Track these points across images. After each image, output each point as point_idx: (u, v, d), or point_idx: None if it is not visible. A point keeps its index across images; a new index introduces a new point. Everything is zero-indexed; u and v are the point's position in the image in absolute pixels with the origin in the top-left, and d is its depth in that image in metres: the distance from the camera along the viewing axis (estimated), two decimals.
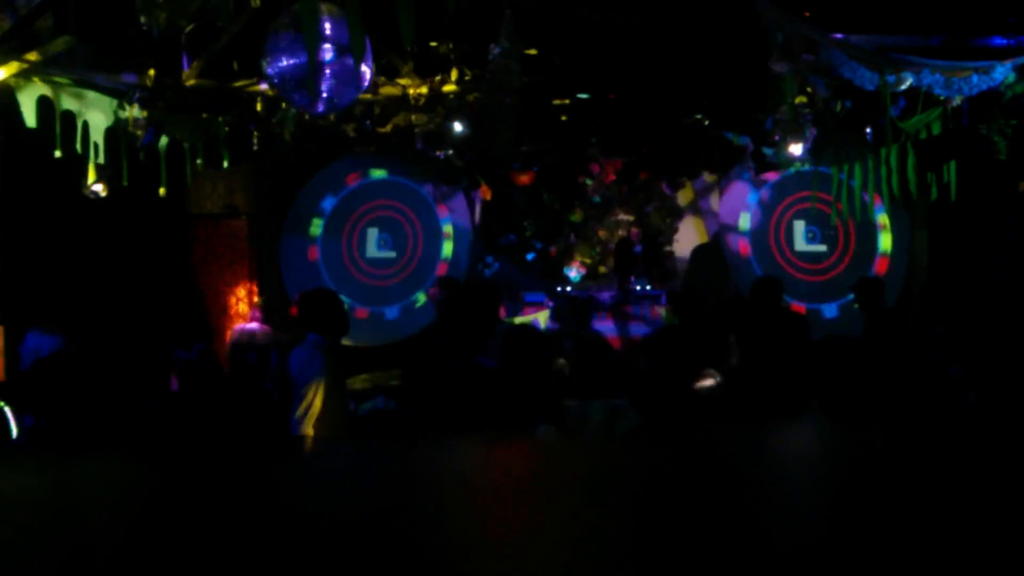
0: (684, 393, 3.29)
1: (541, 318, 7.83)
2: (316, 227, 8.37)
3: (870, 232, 8.08)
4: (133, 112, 5.48)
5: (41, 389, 2.97)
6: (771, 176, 7.98)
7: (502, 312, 4.93)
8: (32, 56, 4.58)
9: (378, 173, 8.35)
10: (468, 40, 5.44)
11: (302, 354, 3.97)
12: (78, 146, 5.29)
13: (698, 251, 8.47)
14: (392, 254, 8.35)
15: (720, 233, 8.28)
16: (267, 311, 7.05)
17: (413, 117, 6.27)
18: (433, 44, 5.56)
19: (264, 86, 5.59)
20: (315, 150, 7.52)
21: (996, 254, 7.23)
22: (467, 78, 5.86)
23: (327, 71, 4.02)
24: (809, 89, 5.53)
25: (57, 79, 5.01)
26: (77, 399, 2.96)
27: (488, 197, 8.28)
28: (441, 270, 8.23)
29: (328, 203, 8.39)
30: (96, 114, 5.39)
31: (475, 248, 8.32)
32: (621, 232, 8.22)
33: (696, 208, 8.58)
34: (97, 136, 5.42)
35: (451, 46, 5.53)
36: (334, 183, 8.39)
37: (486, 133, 6.06)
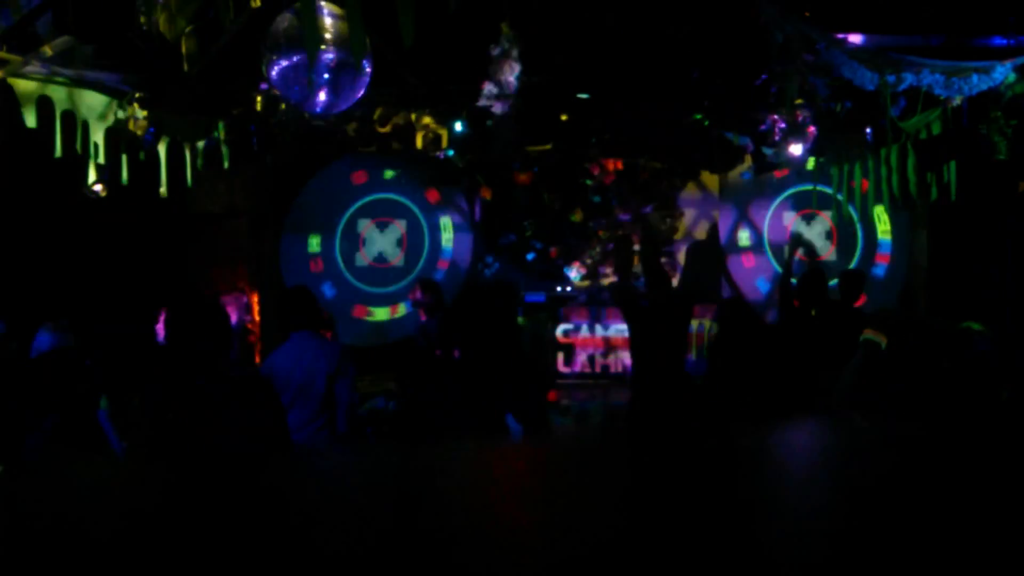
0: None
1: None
2: (315, 243, 8.37)
3: (871, 231, 8.09)
4: (133, 112, 5.48)
5: (48, 383, 2.97)
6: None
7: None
8: (32, 56, 4.58)
9: (387, 174, 8.35)
10: (468, 40, 5.44)
11: (310, 349, 3.92)
12: (78, 146, 5.29)
13: (693, 248, 8.47)
14: (392, 255, 8.35)
15: (716, 229, 8.27)
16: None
17: (413, 117, 6.27)
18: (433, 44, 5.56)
19: (264, 86, 5.59)
20: (315, 150, 7.52)
21: (996, 254, 7.23)
22: (467, 79, 5.85)
23: (327, 71, 4.02)
24: (809, 89, 5.53)
25: (57, 79, 5.00)
26: (86, 392, 2.97)
27: (488, 197, 8.28)
28: (441, 270, 8.23)
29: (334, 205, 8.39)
30: (96, 114, 5.39)
31: (475, 248, 8.32)
32: (621, 231, 8.22)
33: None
34: (97, 136, 5.41)
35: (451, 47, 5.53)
36: (337, 183, 8.39)
37: (486, 133, 6.06)
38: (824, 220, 8.01)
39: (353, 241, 8.39)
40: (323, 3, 3.96)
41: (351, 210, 8.39)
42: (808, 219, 8.12)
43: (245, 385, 2.85)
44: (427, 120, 6.46)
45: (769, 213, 8.16)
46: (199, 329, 2.72)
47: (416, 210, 8.36)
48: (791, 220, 8.14)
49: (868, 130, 6.16)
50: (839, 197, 6.57)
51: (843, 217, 7.09)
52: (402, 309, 8.24)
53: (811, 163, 6.67)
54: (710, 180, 8.44)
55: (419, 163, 7.84)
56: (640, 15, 5.16)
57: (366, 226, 8.39)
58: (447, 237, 8.31)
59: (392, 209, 8.40)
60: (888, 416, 2.76)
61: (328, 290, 8.25)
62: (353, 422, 3.99)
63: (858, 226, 8.05)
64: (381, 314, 8.26)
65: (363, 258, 8.37)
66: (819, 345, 4.78)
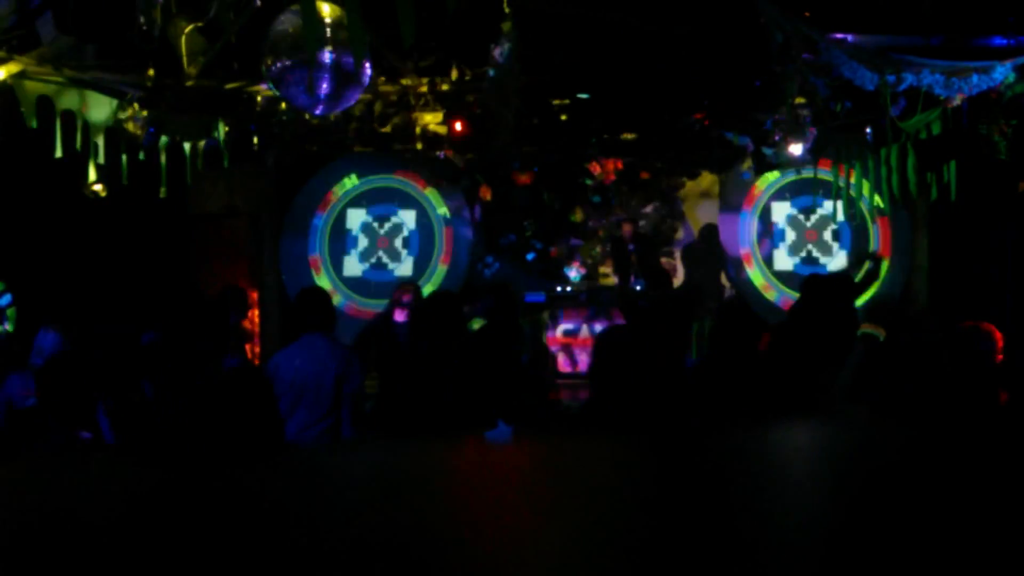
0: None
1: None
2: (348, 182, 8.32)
3: (865, 234, 8.06)
4: (133, 112, 5.49)
5: (59, 386, 2.97)
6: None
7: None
8: (32, 56, 4.59)
9: (377, 174, 8.34)
10: (468, 40, 5.45)
11: (320, 351, 3.92)
12: (78, 146, 5.29)
13: (690, 250, 8.46)
14: (392, 254, 8.35)
15: (714, 231, 8.24)
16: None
17: (413, 116, 6.28)
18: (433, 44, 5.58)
19: (264, 86, 5.59)
20: (315, 150, 7.52)
21: (996, 254, 7.23)
22: (467, 78, 5.86)
23: (327, 71, 4.02)
24: (809, 89, 5.53)
25: (57, 79, 5.01)
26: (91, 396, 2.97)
27: (488, 197, 8.28)
28: (441, 269, 8.23)
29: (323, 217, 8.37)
30: (96, 114, 5.40)
31: (475, 248, 8.32)
32: (616, 232, 8.22)
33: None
34: (97, 136, 5.42)
35: (451, 46, 5.55)
36: (333, 184, 8.38)
37: (486, 133, 6.07)
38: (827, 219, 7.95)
39: (350, 242, 8.39)
40: (323, 3, 3.96)
41: (348, 209, 8.37)
42: (807, 212, 8.09)
43: (238, 380, 2.85)
44: (427, 119, 6.47)
45: (764, 198, 8.10)
46: (199, 329, 2.73)
47: (415, 210, 8.36)
48: (783, 210, 8.08)
49: (868, 130, 6.16)
50: (850, 190, 6.51)
51: (850, 212, 7.02)
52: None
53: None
54: (710, 180, 8.44)
55: (419, 163, 7.84)
56: (641, 15, 5.17)
57: (364, 226, 8.38)
58: (446, 237, 8.30)
59: (391, 209, 8.40)
60: (888, 414, 2.76)
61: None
62: (358, 424, 3.99)
63: (872, 227, 7.95)
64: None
65: (360, 259, 8.35)
66: (818, 346, 4.78)
